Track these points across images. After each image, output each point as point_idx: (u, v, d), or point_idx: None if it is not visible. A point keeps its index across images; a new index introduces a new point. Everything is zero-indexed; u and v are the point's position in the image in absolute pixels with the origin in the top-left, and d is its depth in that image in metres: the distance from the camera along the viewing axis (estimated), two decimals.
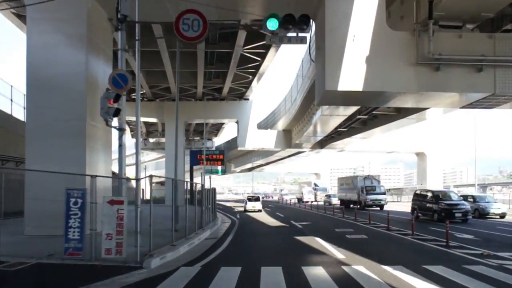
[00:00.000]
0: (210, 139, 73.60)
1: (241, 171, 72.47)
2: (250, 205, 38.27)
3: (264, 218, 28.61)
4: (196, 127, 63.97)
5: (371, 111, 29.36)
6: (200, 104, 41.74)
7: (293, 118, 37.98)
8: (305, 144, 42.60)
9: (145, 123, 57.42)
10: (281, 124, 43.23)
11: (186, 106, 43.98)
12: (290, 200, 61.99)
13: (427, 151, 47.55)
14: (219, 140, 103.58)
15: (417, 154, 49.54)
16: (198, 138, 72.34)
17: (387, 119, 30.45)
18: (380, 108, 27.97)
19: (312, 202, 53.85)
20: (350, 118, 31.63)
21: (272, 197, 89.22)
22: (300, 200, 60.46)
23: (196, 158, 46.93)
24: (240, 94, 43.16)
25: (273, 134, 43.98)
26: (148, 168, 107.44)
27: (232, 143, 67.22)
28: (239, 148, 45.54)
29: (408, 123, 31.90)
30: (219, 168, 69.21)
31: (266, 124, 48.24)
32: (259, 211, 37.28)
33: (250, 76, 37.19)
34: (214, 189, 30.00)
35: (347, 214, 28.73)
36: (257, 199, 39.38)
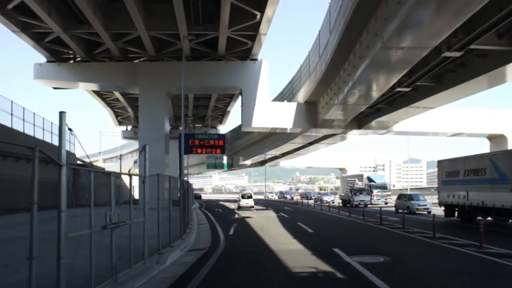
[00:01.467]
0: (214, 127, 60.55)
1: (252, 165, 59.51)
2: (244, 202, 38.39)
3: (284, 241, 15.32)
4: (194, 110, 51.10)
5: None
6: (189, 67, 28.63)
7: (320, 81, 24.62)
8: (337, 122, 29.18)
9: (129, 101, 44.71)
10: (302, 94, 29.91)
11: (168, 70, 30.96)
12: (328, 203, 40.16)
13: (509, 133, 33.76)
14: (225, 129, 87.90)
15: (491, 137, 35.74)
16: (200, 125, 59.46)
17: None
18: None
19: (364, 205, 34.31)
20: (421, 66, 18.31)
21: (292, 198, 65.87)
22: (347, 203, 37.47)
23: (187, 145, 33.96)
24: (244, 51, 30.03)
25: (291, 108, 30.64)
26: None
27: (239, 130, 54.02)
28: (243, 129, 32.32)
29: None
30: (224, 160, 56.08)
31: (281, 96, 34.98)
32: (252, 207, 37.54)
33: (257, 14, 24.02)
34: (186, 182, 19.98)
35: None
36: (249, 196, 39.92)
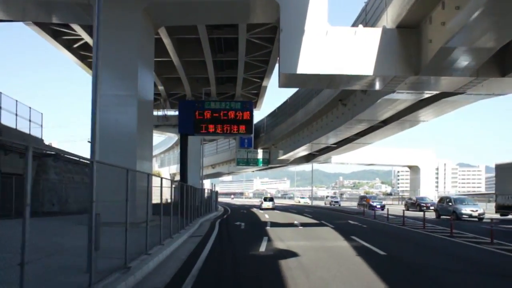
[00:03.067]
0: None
1: (295, 162, 44.90)
2: (266, 204, 40.51)
3: None
4: (218, 88, 37.31)
5: None
6: None
7: None
8: (469, 57, 14.05)
9: None
10: (392, 12, 15.30)
11: None
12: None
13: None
14: (259, 114, 74.11)
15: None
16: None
17: None
18: None
19: None
20: None
21: (383, 207, 37.53)
22: None
23: (191, 118, 20.23)
24: None
25: (370, 38, 15.78)
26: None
27: (278, 114, 39.56)
28: (282, 83, 17.00)
29: None
30: (259, 154, 41.77)
31: (359, 21, 20.35)
32: (273, 209, 38.83)
33: None
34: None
35: None
36: (271, 199, 42.90)
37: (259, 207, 41.47)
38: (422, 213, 24.12)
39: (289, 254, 10.62)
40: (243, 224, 20.88)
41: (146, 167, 17.61)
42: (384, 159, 51.07)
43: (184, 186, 20.93)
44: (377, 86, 17.19)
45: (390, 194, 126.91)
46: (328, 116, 29.52)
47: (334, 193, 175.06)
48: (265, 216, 28.44)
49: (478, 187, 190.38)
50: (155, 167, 70.56)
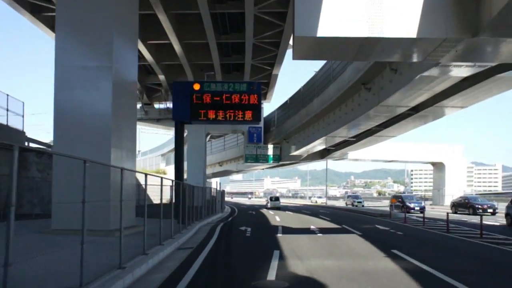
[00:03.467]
0: None
1: (308, 158, 40.83)
2: (272, 204, 42.10)
3: None
4: (224, 77, 33.55)
5: None
6: None
7: None
8: None
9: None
10: None
11: None
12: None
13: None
14: (269, 107, 68.64)
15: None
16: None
17: None
18: None
19: None
20: None
21: (422, 209, 30.41)
22: None
23: (188, 101, 16.54)
24: None
25: None
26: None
27: (290, 105, 35.80)
28: (297, 34, 13.39)
29: None
30: (269, 150, 37.95)
31: None
32: (278, 208, 40.10)
33: None
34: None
35: None
36: (277, 198, 45.41)
37: (265, 207, 43.43)
38: (470, 216, 19.97)
39: (313, 286, 6.81)
40: (249, 230, 17.09)
41: (127, 161, 13.92)
42: (404, 155, 46.58)
43: (180, 184, 17.31)
44: (419, 56, 13.20)
45: (403, 193, 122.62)
46: (348, 104, 25.54)
47: (346, 192, 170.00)
48: (276, 219, 24.61)
49: (494, 186, 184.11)
50: (161, 165, 67.08)
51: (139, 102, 40.07)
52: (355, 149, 37.38)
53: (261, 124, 40.50)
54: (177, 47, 27.67)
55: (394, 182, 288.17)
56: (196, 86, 18.27)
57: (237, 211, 37.17)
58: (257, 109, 18.32)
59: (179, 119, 18.63)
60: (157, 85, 37.11)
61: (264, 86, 38.13)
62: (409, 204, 31.23)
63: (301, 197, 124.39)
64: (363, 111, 23.41)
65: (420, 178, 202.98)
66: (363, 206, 45.38)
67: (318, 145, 34.65)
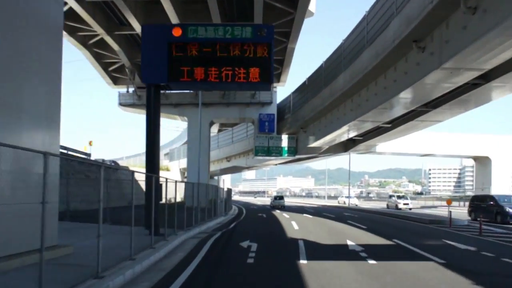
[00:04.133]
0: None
1: (329, 151, 34.19)
2: (276, 202, 41.35)
3: None
4: None
5: None
6: None
7: None
8: None
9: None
10: None
11: None
12: None
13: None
14: (283, 91, 61.59)
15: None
16: None
17: None
18: None
19: None
20: None
21: None
22: None
23: (165, 53, 10.23)
24: None
25: None
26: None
27: (310, 87, 29.60)
28: None
29: None
30: (283, 142, 31.11)
31: None
32: (282, 207, 39.21)
33: None
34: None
35: None
36: (281, 197, 44.25)
37: (270, 206, 42.62)
38: None
39: None
40: (255, 247, 10.87)
41: (33, 132, 7.80)
42: (440, 148, 39.15)
43: (153, 179, 11.36)
44: None
45: (421, 193, 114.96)
46: (388, 75, 19.09)
47: (361, 192, 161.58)
48: (293, 226, 18.33)
49: None
50: (164, 162, 61.11)
51: (131, 86, 34.14)
52: (387, 139, 30.77)
53: (274, 111, 34.20)
54: None
55: (409, 181, 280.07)
56: (177, 32, 12.06)
57: (245, 213, 30.99)
58: (267, 64, 12.04)
59: (152, 80, 12.48)
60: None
61: (277, 65, 31.88)
62: (510, 210, 20.74)
63: (317, 197, 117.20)
64: (412, 81, 16.91)
65: (439, 177, 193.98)
66: (410, 209, 35.53)
67: (343, 134, 28.18)
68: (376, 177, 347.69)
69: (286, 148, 33.73)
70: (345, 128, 25.92)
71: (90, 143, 33.70)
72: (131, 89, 33.94)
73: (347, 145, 34.23)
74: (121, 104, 33.58)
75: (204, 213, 18.47)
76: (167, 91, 33.98)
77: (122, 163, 56.01)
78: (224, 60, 12.05)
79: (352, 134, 27.96)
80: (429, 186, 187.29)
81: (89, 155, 32.35)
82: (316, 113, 27.84)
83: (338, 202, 56.19)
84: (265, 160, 40.81)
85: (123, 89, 34.43)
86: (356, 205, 51.33)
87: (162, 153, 71.54)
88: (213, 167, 52.31)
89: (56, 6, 8.49)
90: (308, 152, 33.55)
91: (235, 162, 46.53)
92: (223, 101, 33.37)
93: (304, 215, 28.10)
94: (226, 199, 30.93)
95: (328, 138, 28.90)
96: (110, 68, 31.29)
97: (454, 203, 37.14)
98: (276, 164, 47.48)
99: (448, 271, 7.95)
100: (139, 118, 47.71)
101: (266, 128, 33.55)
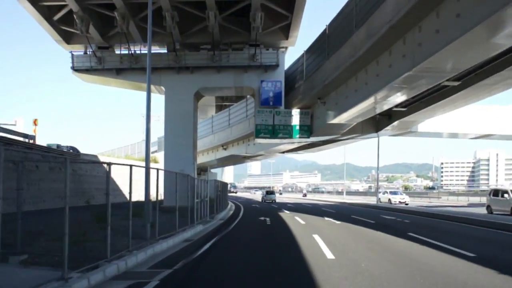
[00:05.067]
0: (271, 47, 27.16)
1: (354, 131, 25.02)
2: (268, 197, 42.88)
3: None
4: None
5: None
6: None
7: None
8: None
9: None
10: None
11: None
12: None
13: None
14: (293, 53, 52.40)
15: None
16: (240, 43, 26.27)
17: None
18: None
19: None
20: None
21: None
22: None
23: None
24: None
25: None
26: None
27: (331, 39, 20.36)
28: None
29: None
30: (294, 118, 22.18)
31: None
32: (273, 201, 41.44)
33: None
34: None
35: None
36: (272, 192, 46.75)
37: (263, 200, 43.81)
38: None
39: None
40: None
41: None
42: (498, 127, 29.01)
43: None
44: None
45: (433, 188, 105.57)
46: (442, 10, 10.13)
47: (369, 187, 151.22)
48: (321, 249, 9.35)
49: None
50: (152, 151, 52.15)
51: (89, 48, 25.08)
52: (442, 110, 21.44)
53: (281, 77, 25.07)
54: None
55: (417, 176, 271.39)
56: None
57: (242, 214, 22.08)
58: None
59: None
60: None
61: (285, 10, 22.75)
62: None
63: (322, 192, 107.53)
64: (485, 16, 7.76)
65: (452, 172, 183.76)
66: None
67: (382, 102, 18.91)
68: (383, 172, 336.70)
69: (297, 127, 24.64)
70: (382, 93, 16.73)
71: (34, 122, 24.86)
72: (90, 51, 24.94)
73: (379, 123, 25.04)
74: (74, 69, 24.62)
75: (154, 228, 9.61)
76: (137, 51, 25.02)
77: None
78: None
79: (397, 100, 18.56)
80: (441, 180, 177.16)
81: (31, 137, 23.58)
82: (342, 72, 18.63)
83: (380, 201, 37.68)
84: (269, 146, 31.65)
85: (80, 51, 25.45)
86: (406, 203, 36.16)
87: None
88: (207, 157, 43.31)
89: None
90: (327, 131, 24.37)
91: (233, 151, 37.44)
92: (213, 63, 24.30)
93: (325, 218, 19.13)
94: (219, 197, 22.07)
95: (359, 107, 19.65)
96: (55, 17, 22.35)
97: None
98: (283, 152, 38.09)
99: None
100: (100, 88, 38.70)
101: (271, 101, 24.45)
